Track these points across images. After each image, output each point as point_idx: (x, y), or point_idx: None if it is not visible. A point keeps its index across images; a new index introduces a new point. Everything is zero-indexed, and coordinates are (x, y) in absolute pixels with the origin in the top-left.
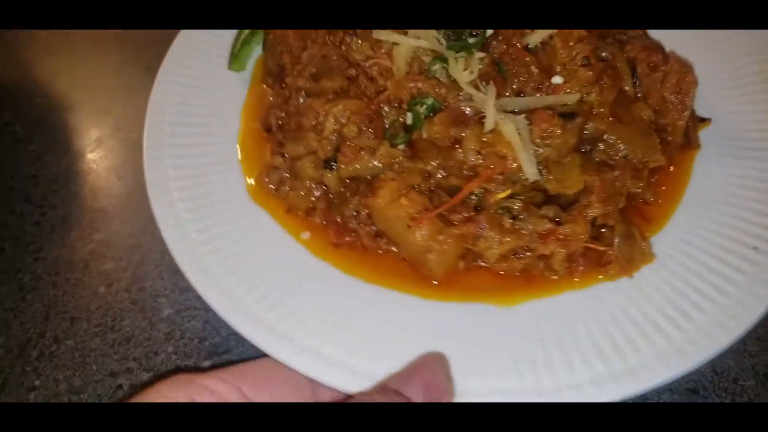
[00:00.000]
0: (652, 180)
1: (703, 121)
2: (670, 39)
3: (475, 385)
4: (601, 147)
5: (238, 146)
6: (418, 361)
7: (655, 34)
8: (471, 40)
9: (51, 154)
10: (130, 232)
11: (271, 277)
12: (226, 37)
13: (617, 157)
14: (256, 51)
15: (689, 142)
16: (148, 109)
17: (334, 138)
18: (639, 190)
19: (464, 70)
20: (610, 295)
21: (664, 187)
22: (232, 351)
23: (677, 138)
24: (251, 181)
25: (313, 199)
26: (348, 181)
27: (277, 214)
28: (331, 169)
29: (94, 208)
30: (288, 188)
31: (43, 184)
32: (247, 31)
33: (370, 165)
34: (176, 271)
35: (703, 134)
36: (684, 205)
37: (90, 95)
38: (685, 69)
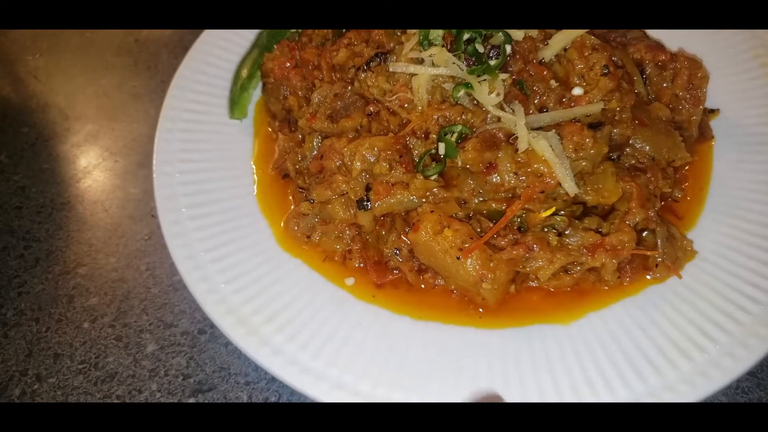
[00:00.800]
0: (677, 177)
1: (712, 112)
2: (663, 35)
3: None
4: (628, 152)
5: (255, 197)
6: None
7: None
8: (492, 62)
9: (36, 185)
10: (115, 265)
11: (321, 329)
12: (220, 85)
13: (645, 160)
14: (255, 96)
15: (704, 135)
16: (155, 170)
17: (364, 177)
18: (669, 189)
19: (490, 93)
20: (660, 298)
21: (687, 183)
22: (217, 388)
23: (693, 132)
24: (278, 231)
25: (347, 241)
26: (381, 218)
27: (314, 263)
28: (365, 208)
29: (78, 241)
30: (320, 234)
31: (27, 216)
32: (243, 77)
33: (405, 200)
34: (160, 306)
35: (714, 125)
36: (712, 199)
37: (76, 123)
38: (695, 65)
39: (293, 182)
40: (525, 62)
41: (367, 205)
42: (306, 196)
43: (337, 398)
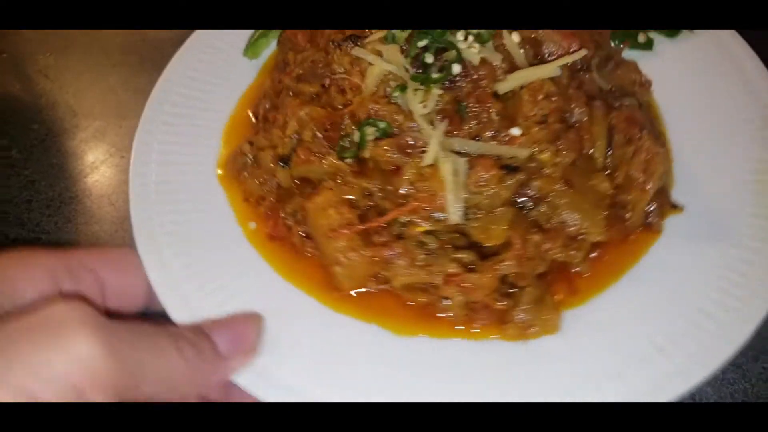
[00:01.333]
0: (594, 254)
1: (675, 207)
2: (678, 126)
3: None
4: (542, 209)
5: (225, 126)
6: (236, 316)
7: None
8: (435, 75)
9: (45, 179)
10: None
11: (198, 249)
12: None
13: (553, 222)
14: (273, 45)
15: (649, 226)
16: (160, 78)
17: (294, 138)
18: (572, 261)
19: (420, 102)
20: (499, 354)
21: (607, 257)
22: None
23: (636, 218)
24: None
25: (266, 189)
26: (298, 181)
27: (233, 198)
28: (284, 166)
29: (86, 234)
30: (247, 174)
31: (37, 210)
32: None
33: (318, 171)
34: None
35: (676, 219)
36: (618, 287)
37: (84, 120)
38: (655, 149)
39: (257, 125)
40: (475, 87)
41: (286, 163)
42: (250, 138)
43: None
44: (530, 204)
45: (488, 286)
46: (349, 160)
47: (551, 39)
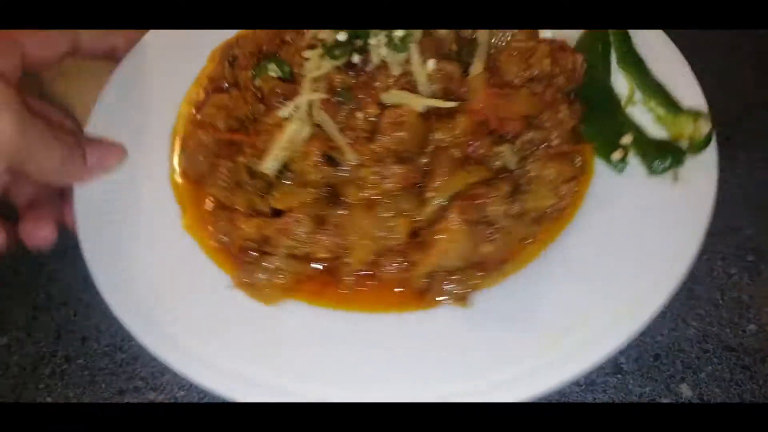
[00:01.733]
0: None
1: (462, 299)
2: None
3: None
4: (339, 212)
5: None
6: (111, 142)
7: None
8: (338, 51)
9: None
10: None
11: (135, 99)
12: None
13: (337, 225)
14: None
15: (425, 294)
16: None
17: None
18: (338, 270)
19: (314, 66)
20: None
21: (379, 291)
22: None
23: (412, 279)
24: None
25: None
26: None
27: (200, 76)
28: (229, 66)
29: None
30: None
31: None
32: None
33: (242, 80)
34: None
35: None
36: (344, 318)
37: None
38: (452, 231)
39: None
40: (368, 85)
41: (231, 64)
42: None
43: None
44: (334, 202)
45: (245, 232)
46: (258, 83)
47: (473, 89)
